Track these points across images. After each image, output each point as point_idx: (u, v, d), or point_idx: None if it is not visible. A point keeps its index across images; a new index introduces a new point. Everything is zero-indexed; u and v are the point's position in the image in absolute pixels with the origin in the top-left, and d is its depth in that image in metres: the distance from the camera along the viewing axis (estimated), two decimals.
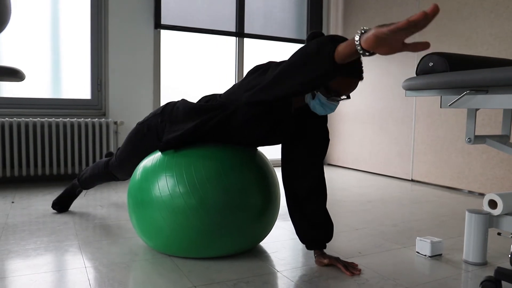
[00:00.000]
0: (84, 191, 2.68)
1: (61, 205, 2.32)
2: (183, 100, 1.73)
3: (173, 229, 1.52)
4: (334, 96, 1.40)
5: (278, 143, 1.65)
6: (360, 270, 1.52)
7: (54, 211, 2.33)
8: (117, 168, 1.99)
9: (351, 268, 1.52)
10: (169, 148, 1.59)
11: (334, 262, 1.55)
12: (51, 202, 2.50)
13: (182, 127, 1.61)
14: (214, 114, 1.54)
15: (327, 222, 1.61)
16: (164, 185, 1.53)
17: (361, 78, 1.39)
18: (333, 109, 1.44)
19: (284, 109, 1.49)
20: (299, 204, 1.61)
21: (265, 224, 1.67)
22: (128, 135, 1.89)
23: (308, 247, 1.63)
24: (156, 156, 1.64)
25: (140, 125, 1.81)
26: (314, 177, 1.60)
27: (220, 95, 1.62)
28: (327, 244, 1.66)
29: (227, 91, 1.58)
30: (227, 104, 1.52)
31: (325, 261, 1.56)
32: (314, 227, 1.60)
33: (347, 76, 1.36)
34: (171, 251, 1.61)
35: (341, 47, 1.09)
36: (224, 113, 1.53)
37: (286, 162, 1.64)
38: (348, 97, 1.44)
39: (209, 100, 1.62)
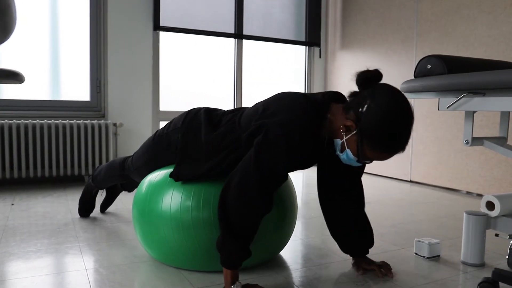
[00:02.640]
0: (101, 191, 2.58)
1: (86, 209, 2.26)
2: (205, 110, 1.62)
3: (182, 243, 1.46)
4: (364, 160, 1.29)
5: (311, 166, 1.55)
6: (392, 275, 1.51)
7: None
8: (134, 174, 1.89)
9: (385, 270, 1.52)
10: (178, 180, 1.50)
11: (369, 267, 1.55)
12: (50, 205, 2.50)
13: (195, 159, 1.52)
14: (229, 151, 1.46)
15: (368, 230, 1.59)
16: (176, 198, 1.47)
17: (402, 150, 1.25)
18: (358, 164, 1.34)
19: (316, 144, 1.37)
20: (339, 219, 1.57)
21: (282, 237, 1.61)
22: (146, 145, 1.77)
23: (352, 255, 1.62)
24: (165, 170, 1.59)
25: (159, 137, 1.70)
26: (353, 195, 1.56)
27: (240, 118, 1.49)
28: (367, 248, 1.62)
29: (246, 116, 1.46)
30: (242, 140, 1.42)
31: (360, 272, 1.54)
32: (356, 236, 1.58)
33: (386, 153, 1.24)
34: (178, 264, 1.55)
35: (225, 273, 1.31)
36: (239, 150, 1.44)
37: (322, 181, 1.58)
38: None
39: (228, 123, 1.50)
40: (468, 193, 3.11)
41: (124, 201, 2.65)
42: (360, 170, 1.55)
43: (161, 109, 3.72)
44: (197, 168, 1.50)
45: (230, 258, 1.29)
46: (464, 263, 1.66)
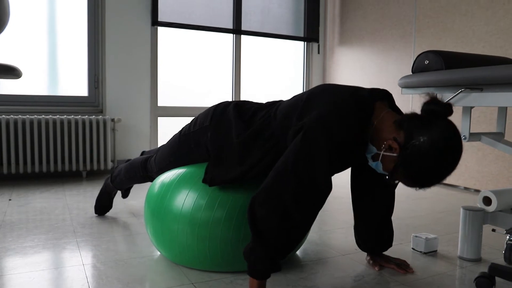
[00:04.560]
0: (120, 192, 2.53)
1: (103, 208, 2.19)
2: (235, 105, 1.51)
3: (195, 243, 1.42)
4: (393, 181, 1.25)
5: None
6: (412, 270, 1.52)
7: (94, 214, 2.22)
8: (157, 175, 1.78)
9: (404, 266, 1.52)
10: (212, 185, 1.42)
11: (386, 265, 1.54)
12: (47, 200, 2.50)
13: (228, 160, 1.43)
14: (265, 151, 1.36)
15: (388, 232, 1.56)
16: (190, 197, 1.42)
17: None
18: (383, 173, 1.28)
19: (356, 146, 1.29)
20: (364, 218, 1.55)
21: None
22: (171, 145, 1.66)
23: (366, 252, 1.61)
24: (181, 169, 1.55)
25: (185, 136, 1.59)
26: (386, 200, 1.53)
27: (276, 110, 1.40)
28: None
29: (284, 108, 1.37)
30: (280, 137, 1.35)
31: (376, 268, 1.53)
32: (373, 236, 1.55)
33: (415, 185, 1.21)
34: (191, 265, 1.50)
35: (251, 284, 1.20)
36: (276, 148, 1.36)
37: (355, 181, 1.53)
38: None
39: (263, 118, 1.41)
40: (465, 188, 3.12)
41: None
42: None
43: (159, 104, 3.72)
44: (231, 171, 1.39)
45: (256, 267, 1.17)
46: (461, 258, 1.67)
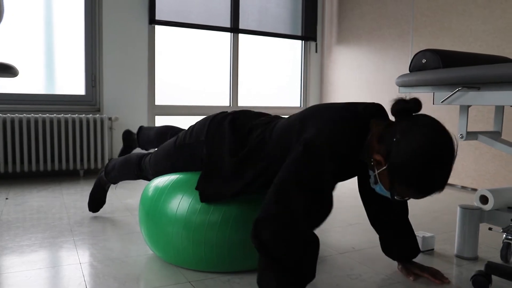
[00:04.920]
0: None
1: (97, 204, 2.17)
2: (230, 120, 1.48)
3: (190, 245, 1.42)
4: (398, 197, 1.18)
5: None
6: (448, 280, 1.43)
7: (91, 213, 2.21)
8: (153, 176, 1.77)
9: (439, 276, 1.43)
10: (204, 202, 1.42)
11: (420, 274, 1.45)
12: (45, 199, 2.49)
13: (221, 178, 1.41)
14: (258, 172, 1.35)
15: (412, 238, 1.50)
16: (185, 201, 1.43)
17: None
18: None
19: (356, 159, 1.25)
20: (381, 224, 1.50)
21: None
22: (167, 151, 1.66)
23: (394, 259, 1.54)
24: (175, 175, 1.56)
25: (180, 147, 1.60)
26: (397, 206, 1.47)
27: (271, 131, 1.37)
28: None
29: (279, 129, 1.34)
30: (275, 157, 1.32)
31: (411, 278, 1.45)
32: (398, 241, 1.49)
33: (420, 193, 1.13)
34: (188, 265, 1.49)
35: None
36: (271, 169, 1.33)
37: (362, 190, 1.50)
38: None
39: (258, 137, 1.38)
40: (462, 187, 3.13)
41: (120, 196, 2.65)
42: None
43: (156, 103, 3.71)
44: (223, 190, 1.40)
45: None
46: (457, 256, 1.67)
